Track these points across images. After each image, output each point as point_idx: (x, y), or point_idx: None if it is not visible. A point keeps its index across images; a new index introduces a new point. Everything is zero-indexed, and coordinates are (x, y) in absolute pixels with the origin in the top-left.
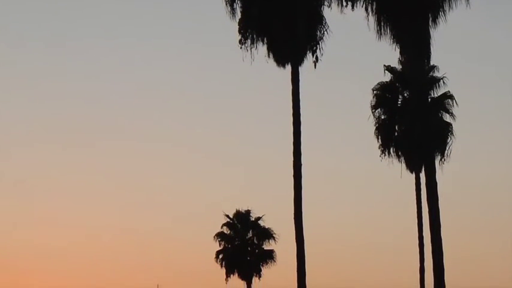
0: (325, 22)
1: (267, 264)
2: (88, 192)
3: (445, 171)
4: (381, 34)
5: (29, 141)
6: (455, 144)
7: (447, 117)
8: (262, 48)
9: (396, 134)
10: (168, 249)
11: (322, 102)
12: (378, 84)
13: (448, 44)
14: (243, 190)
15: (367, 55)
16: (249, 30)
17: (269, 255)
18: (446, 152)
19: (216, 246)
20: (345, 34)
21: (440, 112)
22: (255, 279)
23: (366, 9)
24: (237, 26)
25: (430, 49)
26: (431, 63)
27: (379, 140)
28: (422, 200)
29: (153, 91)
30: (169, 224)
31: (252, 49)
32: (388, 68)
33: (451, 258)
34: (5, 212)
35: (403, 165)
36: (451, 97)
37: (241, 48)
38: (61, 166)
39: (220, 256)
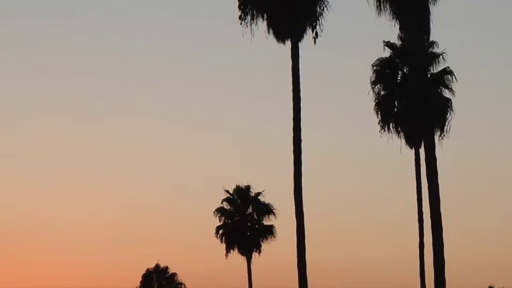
0: None
1: (266, 239)
2: (89, 167)
3: (444, 147)
4: (380, 10)
5: (35, 115)
6: (455, 120)
7: (446, 93)
8: (262, 24)
9: (396, 109)
10: (168, 224)
11: (322, 78)
12: (378, 60)
13: (447, 19)
14: (243, 165)
15: (367, 31)
16: (249, 6)
17: (269, 231)
18: (445, 127)
19: (216, 222)
20: (345, 10)
21: (440, 88)
22: (254, 255)
23: None
24: (237, 2)
25: (429, 25)
26: (431, 39)
27: (379, 116)
28: (421, 176)
29: (153, 67)
30: (170, 200)
31: (252, 25)
32: (388, 44)
33: (451, 233)
34: (9, 185)
35: (403, 140)
36: (451, 73)
37: (241, 24)
38: (64, 140)
39: (220, 231)
